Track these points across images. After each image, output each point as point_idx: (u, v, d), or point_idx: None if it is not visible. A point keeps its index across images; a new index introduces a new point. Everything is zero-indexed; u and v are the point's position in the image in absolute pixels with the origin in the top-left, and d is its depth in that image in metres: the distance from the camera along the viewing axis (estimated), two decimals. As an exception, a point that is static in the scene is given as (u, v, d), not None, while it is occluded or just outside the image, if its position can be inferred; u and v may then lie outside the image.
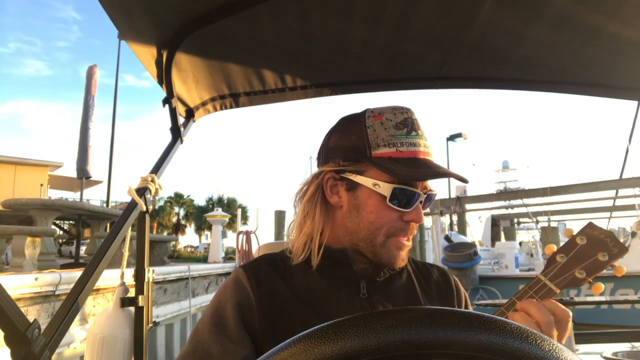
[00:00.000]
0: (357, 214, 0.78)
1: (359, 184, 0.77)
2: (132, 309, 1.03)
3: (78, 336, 3.41)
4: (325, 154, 0.83)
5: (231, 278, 0.81)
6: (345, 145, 0.80)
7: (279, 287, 0.78)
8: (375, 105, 0.83)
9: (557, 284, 0.66)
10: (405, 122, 0.78)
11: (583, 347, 1.91)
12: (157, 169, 1.19)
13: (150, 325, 1.05)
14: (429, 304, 0.83)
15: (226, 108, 1.54)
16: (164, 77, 1.22)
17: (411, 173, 0.73)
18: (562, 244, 0.73)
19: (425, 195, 0.78)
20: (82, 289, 0.89)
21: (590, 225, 0.70)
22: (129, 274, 1.05)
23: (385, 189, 0.75)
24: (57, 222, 10.56)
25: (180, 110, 1.41)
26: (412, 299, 0.82)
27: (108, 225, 8.50)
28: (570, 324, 0.66)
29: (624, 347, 1.91)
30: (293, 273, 0.81)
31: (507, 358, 0.31)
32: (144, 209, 1.08)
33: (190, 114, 1.47)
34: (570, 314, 0.66)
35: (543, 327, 0.63)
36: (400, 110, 0.80)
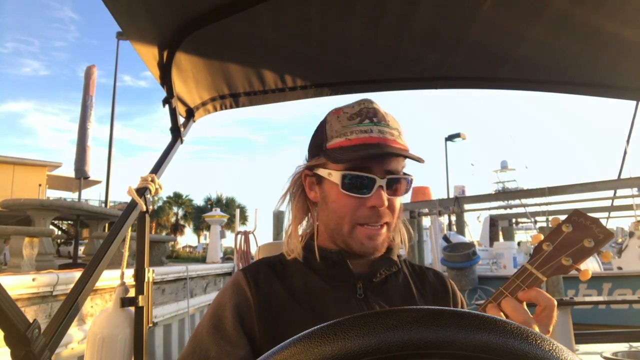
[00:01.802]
0: (326, 206, 0.81)
1: (322, 176, 0.81)
2: (132, 309, 1.03)
3: (76, 336, 3.41)
4: (307, 154, 0.87)
5: (230, 281, 0.82)
6: (313, 144, 0.84)
7: (277, 288, 0.79)
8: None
9: (543, 272, 0.66)
10: (359, 112, 0.80)
11: (583, 347, 1.91)
12: (157, 168, 1.18)
13: (150, 325, 1.04)
14: (425, 305, 0.83)
15: (226, 108, 1.54)
16: (165, 77, 1.22)
17: (348, 156, 0.75)
18: None
19: (386, 180, 0.76)
20: (82, 289, 0.89)
21: (576, 213, 0.70)
22: (129, 274, 1.05)
23: (336, 177, 0.77)
24: (56, 222, 10.55)
25: (181, 110, 1.40)
26: (408, 299, 0.83)
27: (107, 225, 8.48)
28: (556, 314, 0.66)
29: (624, 347, 1.91)
30: (291, 274, 0.82)
31: (507, 358, 0.31)
32: (144, 209, 1.08)
33: (190, 114, 1.46)
34: (555, 302, 0.66)
35: (547, 313, 0.64)
36: (359, 103, 0.82)
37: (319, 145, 0.81)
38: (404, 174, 0.79)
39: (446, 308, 0.34)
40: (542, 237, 0.70)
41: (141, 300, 1.03)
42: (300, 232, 0.87)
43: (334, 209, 0.79)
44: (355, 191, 0.76)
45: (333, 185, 0.78)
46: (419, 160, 0.77)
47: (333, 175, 0.77)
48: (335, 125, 0.80)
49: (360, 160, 0.75)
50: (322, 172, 0.80)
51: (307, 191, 0.85)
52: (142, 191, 1.08)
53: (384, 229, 0.79)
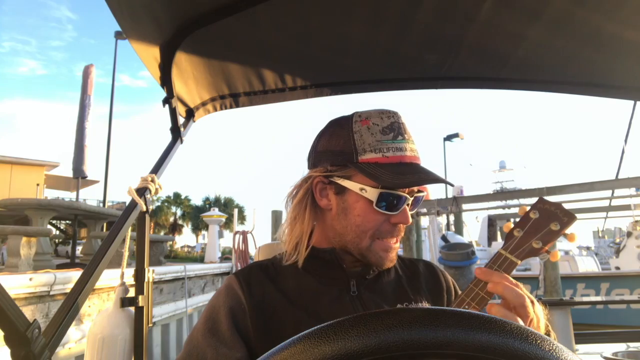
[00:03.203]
0: (345, 217, 0.80)
1: (347, 188, 0.79)
2: (132, 309, 1.03)
3: (73, 336, 3.39)
4: (314, 157, 0.85)
5: (224, 285, 0.83)
6: (333, 150, 0.81)
7: (270, 290, 0.80)
8: (363, 108, 0.83)
9: (517, 255, 0.71)
10: (391, 126, 0.79)
11: (583, 347, 1.92)
12: (157, 169, 1.18)
13: (151, 325, 1.04)
14: (418, 298, 0.85)
15: (226, 108, 1.53)
16: (165, 77, 1.22)
17: (396, 180, 0.74)
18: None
19: (413, 198, 0.79)
20: (82, 289, 0.88)
21: (540, 200, 0.75)
22: (129, 273, 1.05)
23: (372, 193, 0.76)
24: (54, 221, 10.52)
25: (180, 110, 1.40)
26: (400, 294, 0.84)
27: (104, 225, 8.46)
28: (540, 311, 0.69)
29: (624, 347, 1.92)
30: (284, 276, 0.83)
31: (507, 358, 0.31)
32: (144, 209, 1.08)
33: (190, 114, 1.46)
34: (526, 299, 0.66)
35: (519, 310, 0.64)
36: (387, 114, 0.80)
37: (345, 155, 0.79)
38: (419, 191, 0.81)
39: (446, 308, 0.35)
40: (512, 225, 0.75)
41: (141, 300, 1.02)
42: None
43: (358, 222, 0.79)
44: (386, 208, 0.77)
45: (362, 199, 0.77)
46: (452, 185, 0.82)
47: (368, 191, 0.76)
48: (367, 137, 0.78)
49: (407, 183, 0.75)
50: (347, 183, 0.78)
51: (318, 198, 0.83)
52: (142, 191, 1.08)
53: (398, 243, 0.81)
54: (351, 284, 0.80)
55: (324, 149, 0.83)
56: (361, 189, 0.77)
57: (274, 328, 0.74)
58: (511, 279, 0.67)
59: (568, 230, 0.72)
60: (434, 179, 0.77)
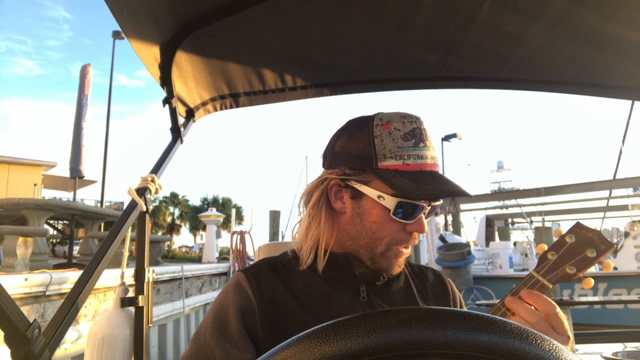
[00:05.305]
0: (360, 222, 0.79)
1: (364, 193, 0.77)
2: (132, 309, 1.02)
3: (70, 337, 3.38)
4: (331, 158, 0.83)
5: (232, 283, 0.81)
6: (352, 153, 0.79)
7: (280, 290, 0.79)
8: (384, 110, 0.82)
9: (549, 279, 0.70)
10: (413, 132, 0.77)
11: (583, 347, 1.92)
12: (157, 169, 1.18)
13: (151, 325, 1.04)
14: (426, 306, 0.84)
15: (226, 108, 1.53)
16: (164, 77, 1.22)
17: (417, 191, 0.72)
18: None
19: (430, 207, 0.79)
20: (82, 289, 0.88)
21: (578, 225, 0.74)
22: (129, 273, 1.04)
23: (390, 202, 0.75)
24: (51, 222, 10.49)
25: (181, 110, 1.40)
26: (410, 301, 0.84)
27: (102, 225, 8.44)
28: (563, 317, 0.68)
29: (624, 347, 1.93)
30: (294, 276, 0.82)
31: (507, 358, 0.31)
32: (144, 209, 1.07)
33: (190, 114, 1.46)
34: (555, 304, 0.68)
35: (536, 327, 0.64)
36: (409, 119, 0.78)
37: (364, 159, 0.77)
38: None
39: (446, 308, 0.35)
40: (545, 247, 0.73)
41: (141, 300, 1.02)
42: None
43: (374, 229, 0.77)
44: (402, 217, 0.76)
45: (379, 206, 0.76)
46: (470, 196, 0.80)
47: (386, 199, 0.75)
48: (387, 143, 0.76)
49: (430, 195, 0.74)
50: (364, 189, 0.77)
51: (332, 200, 0.81)
52: (142, 191, 1.08)
53: (409, 249, 0.81)
54: (361, 289, 0.80)
55: (342, 150, 0.81)
56: (379, 197, 0.75)
57: (282, 330, 0.73)
58: (550, 300, 0.67)
59: (604, 259, 0.71)
60: (456, 190, 0.75)
